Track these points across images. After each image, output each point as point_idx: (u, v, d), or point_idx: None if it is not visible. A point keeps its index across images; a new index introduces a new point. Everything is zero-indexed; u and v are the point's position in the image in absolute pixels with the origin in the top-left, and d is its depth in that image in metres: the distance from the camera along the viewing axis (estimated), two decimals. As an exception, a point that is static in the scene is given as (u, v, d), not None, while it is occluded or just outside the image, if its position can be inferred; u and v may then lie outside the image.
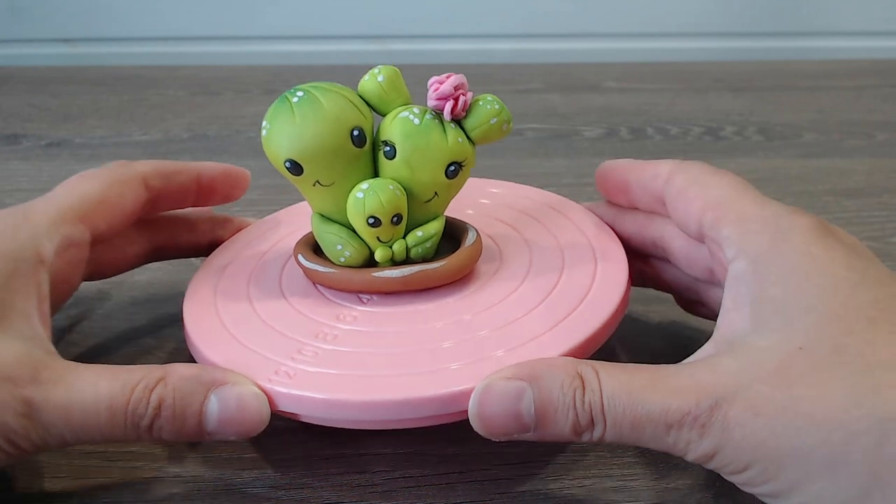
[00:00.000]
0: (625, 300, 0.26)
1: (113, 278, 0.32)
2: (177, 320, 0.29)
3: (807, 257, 0.22)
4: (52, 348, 0.23)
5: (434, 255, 0.27)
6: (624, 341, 0.31)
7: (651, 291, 0.31)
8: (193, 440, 0.24)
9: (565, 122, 0.56)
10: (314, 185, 0.25)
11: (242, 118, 0.58)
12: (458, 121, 0.26)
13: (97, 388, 0.22)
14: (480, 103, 0.25)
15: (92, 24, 0.75)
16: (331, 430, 0.23)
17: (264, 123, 0.25)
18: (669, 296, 0.31)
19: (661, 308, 0.32)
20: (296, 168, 0.25)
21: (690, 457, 0.20)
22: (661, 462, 0.25)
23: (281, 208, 0.34)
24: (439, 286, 0.27)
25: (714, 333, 0.23)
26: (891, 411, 0.18)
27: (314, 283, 0.28)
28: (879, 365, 0.19)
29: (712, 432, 0.20)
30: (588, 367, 0.21)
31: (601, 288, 0.26)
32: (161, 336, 0.32)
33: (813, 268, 0.22)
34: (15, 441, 0.21)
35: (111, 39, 0.75)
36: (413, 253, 0.27)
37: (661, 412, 0.20)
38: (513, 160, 0.50)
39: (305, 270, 0.27)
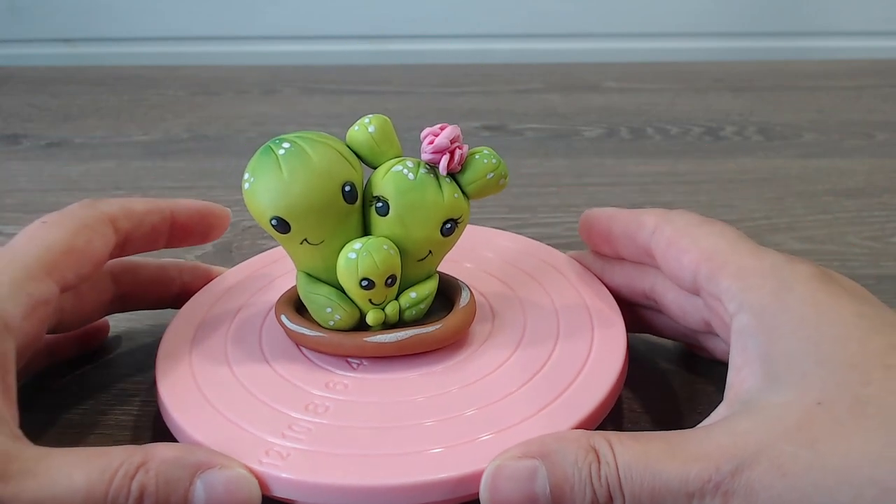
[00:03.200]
0: (623, 371, 0.25)
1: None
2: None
3: (813, 307, 0.21)
4: (18, 432, 0.21)
5: (425, 316, 0.26)
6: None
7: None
8: None
9: (565, 122, 0.56)
10: (301, 243, 0.24)
11: (242, 118, 0.58)
12: (452, 174, 0.25)
13: (72, 479, 0.19)
14: (476, 157, 0.24)
15: (92, 24, 0.75)
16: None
17: (246, 176, 0.24)
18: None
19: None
20: (283, 226, 0.23)
21: None
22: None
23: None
24: (434, 350, 0.25)
25: (726, 393, 0.22)
26: None
27: (297, 345, 0.26)
28: None
29: (736, 499, 0.18)
30: (600, 439, 0.20)
31: (600, 355, 0.25)
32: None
33: (821, 317, 0.21)
34: None
35: (111, 39, 0.76)
36: (406, 315, 0.26)
37: (681, 482, 0.19)
38: (513, 160, 0.49)
39: (290, 334, 0.26)
